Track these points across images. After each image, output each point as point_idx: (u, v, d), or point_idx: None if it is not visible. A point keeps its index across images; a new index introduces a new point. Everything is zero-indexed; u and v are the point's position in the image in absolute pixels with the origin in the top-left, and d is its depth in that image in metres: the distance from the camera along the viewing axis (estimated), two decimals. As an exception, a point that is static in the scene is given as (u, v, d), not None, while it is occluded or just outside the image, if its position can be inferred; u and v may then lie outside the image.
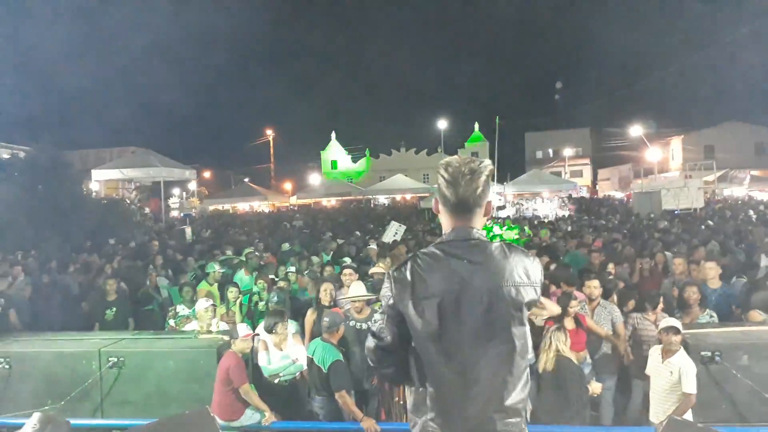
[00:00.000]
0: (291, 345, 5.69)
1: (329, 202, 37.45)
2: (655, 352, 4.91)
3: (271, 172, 55.90)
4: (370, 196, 37.25)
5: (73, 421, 3.27)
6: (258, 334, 5.59)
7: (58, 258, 11.28)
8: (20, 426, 3.03)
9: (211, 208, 33.45)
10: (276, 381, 5.53)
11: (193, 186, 37.62)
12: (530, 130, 60.79)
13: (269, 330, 5.57)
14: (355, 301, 5.87)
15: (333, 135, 61.22)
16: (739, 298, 6.54)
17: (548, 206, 25.49)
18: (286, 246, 12.93)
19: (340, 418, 4.94)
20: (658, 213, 18.86)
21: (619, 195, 40.30)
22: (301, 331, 6.40)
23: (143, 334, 6.16)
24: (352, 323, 5.69)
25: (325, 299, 6.38)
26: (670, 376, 4.64)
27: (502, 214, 22.20)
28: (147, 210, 24.62)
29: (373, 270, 7.62)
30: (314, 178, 47.40)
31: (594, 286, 6.06)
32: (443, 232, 2.22)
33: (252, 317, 7.30)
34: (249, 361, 5.52)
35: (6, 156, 19.68)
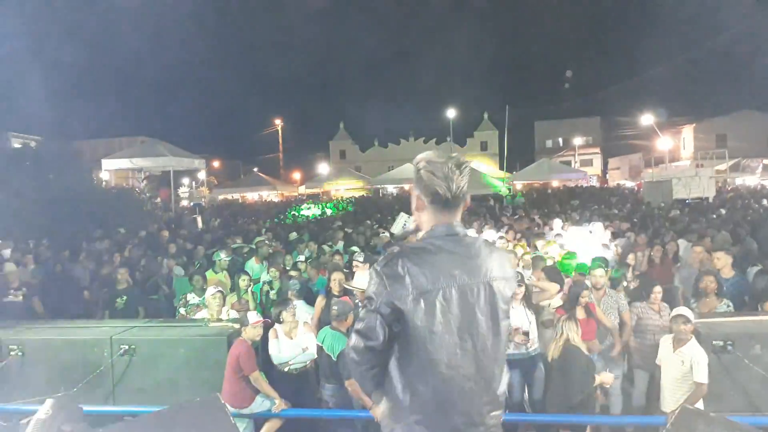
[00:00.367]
0: (302, 333, 5.72)
1: (337, 192, 37.45)
2: (666, 342, 4.88)
3: (280, 162, 55.97)
4: (379, 186, 37.22)
5: (85, 408, 3.30)
6: (269, 320, 5.63)
7: (69, 247, 11.37)
8: (33, 412, 3.06)
9: (221, 197, 33.58)
10: (286, 369, 5.56)
11: (202, 175, 37.76)
12: (540, 119, 60.37)
13: (276, 319, 5.62)
14: (363, 290, 5.88)
15: (341, 125, 61.12)
16: (754, 287, 6.48)
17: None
18: (293, 235, 12.96)
19: (349, 406, 4.95)
20: (669, 202, 18.71)
21: (629, 184, 40.00)
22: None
23: (154, 322, 6.20)
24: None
25: (335, 288, 6.39)
26: (682, 366, 4.61)
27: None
28: (158, 199, 24.75)
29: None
30: (323, 168, 47.39)
31: (599, 275, 6.03)
32: (423, 229, 2.20)
33: (263, 306, 7.34)
34: (259, 348, 5.54)
35: (17, 145, 19.82)
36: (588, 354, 4.92)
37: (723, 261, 6.76)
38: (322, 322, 6.05)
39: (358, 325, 2.08)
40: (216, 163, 52.04)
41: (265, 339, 5.68)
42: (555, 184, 32.95)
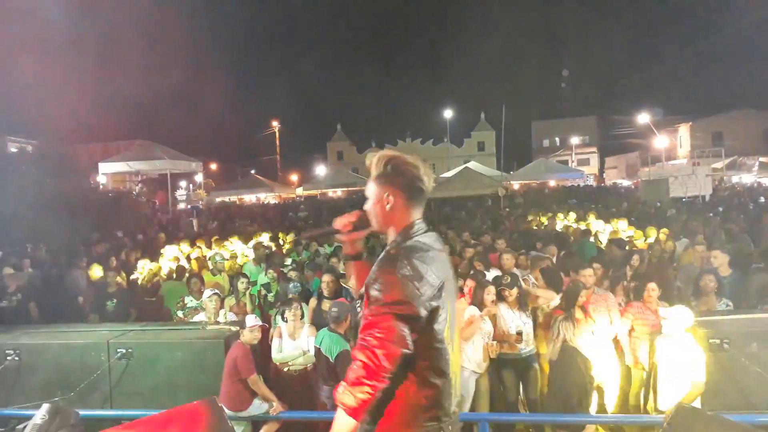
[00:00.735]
0: (304, 336, 5.75)
1: (335, 193, 37.44)
2: (662, 340, 4.88)
3: (277, 164, 55.93)
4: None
5: (82, 412, 3.30)
6: (266, 325, 5.65)
7: (66, 251, 11.35)
8: (30, 417, 3.06)
9: (218, 199, 33.54)
10: (285, 369, 5.60)
11: (199, 178, 37.69)
12: (536, 119, 60.47)
13: (282, 317, 5.71)
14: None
15: (339, 126, 61.13)
16: (751, 286, 6.49)
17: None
18: (291, 236, 12.95)
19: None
20: (665, 201, 18.75)
21: (626, 183, 40.08)
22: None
23: (151, 325, 6.19)
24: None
25: (326, 290, 6.41)
26: (678, 364, 4.61)
27: None
28: (156, 202, 24.73)
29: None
30: (320, 169, 47.36)
31: (588, 274, 6.02)
32: (393, 232, 2.20)
33: (261, 308, 7.33)
34: (257, 351, 5.54)
35: (14, 149, 19.78)
36: (585, 354, 4.93)
37: (720, 260, 6.78)
38: (314, 324, 6.05)
39: (386, 333, 1.93)
40: (213, 166, 51.95)
41: (264, 339, 5.72)
42: (552, 183, 32.97)
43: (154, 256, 10.78)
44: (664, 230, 9.87)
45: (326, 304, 6.01)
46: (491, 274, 6.85)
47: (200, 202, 30.12)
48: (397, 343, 1.94)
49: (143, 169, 22.00)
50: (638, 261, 7.44)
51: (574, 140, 53.04)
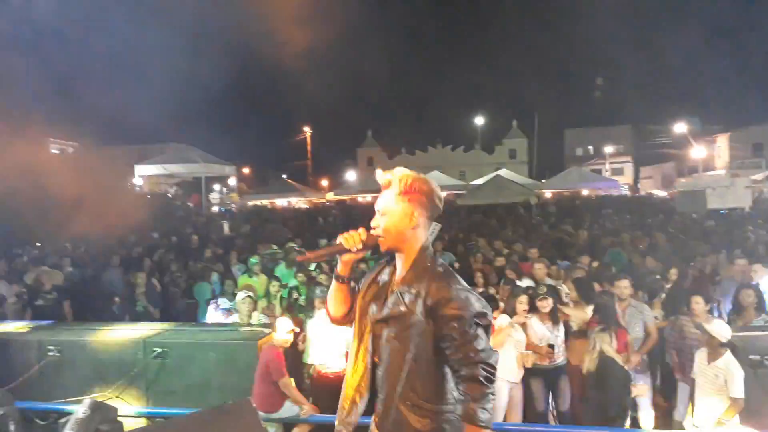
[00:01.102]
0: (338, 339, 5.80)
1: (364, 199, 37.59)
2: (701, 355, 4.78)
3: (308, 169, 56.43)
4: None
5: (120, 409, 3.39)
6: (296, 329, 5.69)
7: (103, 251, 11.65)
8: (70, 412, 3.16)
9: (250, 203, 33.96)
10: (322, 371, 5.71)
11: (233, 182, 38.28)
12: (570, 127, 59.76)
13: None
14: None
15: (369, 133, 61.41)
16: None
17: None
18: (323, 242, 13.05)
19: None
20: (702, 212, 18.29)
21: (661, 194, 39.28)
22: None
23: (186, 325, 6.31)
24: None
25: None
26: (716, 380, 4.51)
27: None
28: (190, 205, 25.18)
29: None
30: (350, 175, 47.61)
31: (624, 286, 5.92)
32: (411, 247, 2.27)
33: (291, 311, 7.41)
34: (288, 354, 5.60)
35: (56, 151, 20.40)
36: (624, 366, 4.85)
37: (761, 273, 6.62)
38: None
39: (482, 344, 2.11)
40: (246, 170, 52.70)
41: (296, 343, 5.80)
42: (585, 192, 32.49)
43: (188, 257, 10.99)
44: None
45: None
46: (523, 284, 6.79)
47: (233, 205, 30.54)
48: (492, 350, 2.14)
49: (178, 171, 22.40)
50: (676, 274, 7.27)
51: (608, 149, 52.23)
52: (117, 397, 5.04)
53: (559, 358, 5.60)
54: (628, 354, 5.34)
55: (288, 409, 5.00)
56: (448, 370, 2.17)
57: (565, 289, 6.53)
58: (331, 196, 40.03)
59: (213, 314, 7.15)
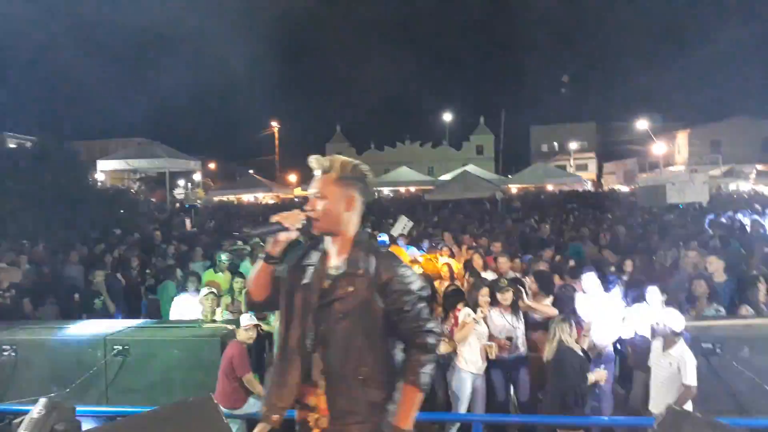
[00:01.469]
0: None
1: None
2: (656, 344, 4.92)
3: (276, 164, 55.92)
4: (375, 189, 37.23)
5: (78, 408, 3.32)
6: (260, 325, 5.65)
7: (63, 248, 11.36)
8: (26, 412, 3.07)
9: (216, 199, 33.51)
10: None
11: (198, 177, 37.67)
12: (536, 124, 60.56)
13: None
14: None
15: (338, 128, 61.17)
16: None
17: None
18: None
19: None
20: (662, 207, 18.80)
21: (624, 189, 40.17)
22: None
23: (148, 323, 6.22)
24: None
25: None
26: (670, 367, 4.66)
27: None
28: (153, 200, 24.71)
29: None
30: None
31: (590, 281, 6.04)
32: (348, 230, 2.38)
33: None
34: (252, 350, 5.56)
35: (13, 145, 19.78)
36: (581, 354, 4.95)
37: (715, 265, 6.81)
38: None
39: (434, 324, 2.31)
40: (212, 165, 51.94)
41: (260, 340, 5.73)
42: (550, 188, 33.01)
43: (150, 254, 10.80)
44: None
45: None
46: (488, 276, 6.88)
47: (198, 201, 30.10)
48: (435, 319, 2.39)
49: (141, 167, 22.01)
50: (631, 266, 7.46)
51: (573, 145, 53.14)
52: (75, 396, 4.93)
53: (519, 349, 5.68)
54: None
55: (252, 405, 4.97)
56: (394, 342, 2.31)
57: (529, 282, 6.63)
58: (299, 191, 39.75)
59: (184, 300, 7.07)
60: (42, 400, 3.23)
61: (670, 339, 4.72)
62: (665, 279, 7.64)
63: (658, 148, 37.25)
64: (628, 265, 7.47)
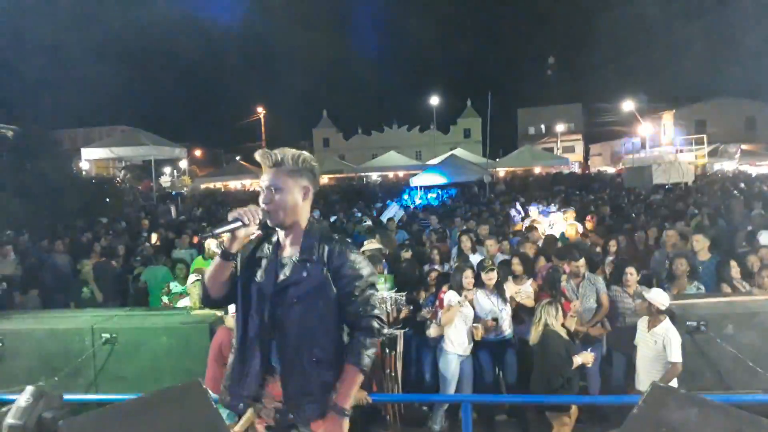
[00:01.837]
0: None
1: (321, 180, 37.35)
2: (642, 323, 4.98)
3: (263, 150, 55.49)
4: (363, 174, 37.18)
5: (66, 396, 3.31)
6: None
7: (48, 237, 11.25)
8: (13, 401, 3.06)
9: (203, 186, 33.32)
10: None
11: (184, 164, 37.42)
12: (523, 106, 60.60)
13: None
14: None
15: (325, 112, 60.83)
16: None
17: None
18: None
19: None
20: (648, 187, 18.96)
21: (610, 170, 40.41)
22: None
23: (136, 310, 6.19)
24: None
25: None
26: (655, 345, 4.72)
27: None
28: (139, 187, 24.51)
29: (365, 247, 7.64)
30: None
31: (581, 264, 6.09)
32: (302, 220, 2.44)
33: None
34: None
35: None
36: (567, 338, 4.99)
37: (701, 244, 6.88)
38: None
39: (379, 311, 2.41)
40: (198, 152, 51.55)
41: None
42: (537, 170, 33.16)
43: (137, 242, 10.73)
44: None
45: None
46: (475, 258, 6.92)
47: (185, 189, 29.90)
48: (379, 305, 2.46)
49: (126, 155, 21.74)
50: (615, 246, 7.53)
51: (560, 128, 53.31)
52: (64, 385, 4.91)
53: (506, 331, 5.72)
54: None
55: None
56: (342, 325, 2.41)
57: (514, 264, 6.66)
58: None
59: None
60: (29, 388, 3.21)
61: (654, 317, 4.78)
62: (647, 258, 7.75)
63: (644, 129, 37.43)
64: (613, 246, 7.53)
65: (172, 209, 17.23)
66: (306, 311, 2.33)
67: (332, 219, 13.32)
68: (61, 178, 16.00)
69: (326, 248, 2.38)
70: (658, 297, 4.75)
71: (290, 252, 2.43)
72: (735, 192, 16.07)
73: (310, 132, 60.99)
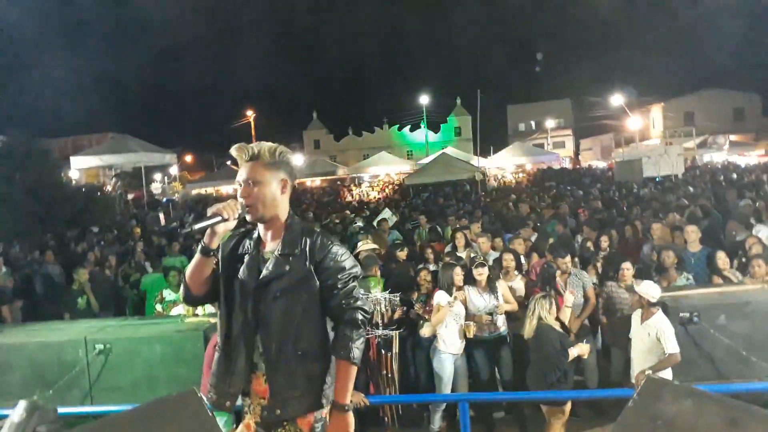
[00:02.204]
0: None
1: (313, 182, 37.30)
2: (636, 316, 5.01)
3: (254, 154, 55.24)
4: (354, 175, 37.16)
5: (61, 409, 3.28)
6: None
7: (39, 248, 11.17)
8: (6, 416, 3.03)
9: (194, 192, 33.17)
10: None
11: (174, 170, 37.22)
12: (512, 103, 60.71)
13: None
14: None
15: (315, 114, 60.73)
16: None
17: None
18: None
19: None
20: (638, 181, 19.03)
21: (601, 164, 40.57)
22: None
23: (129, 320, 6.16)
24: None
25: None
26: (648, 338, 4.74)
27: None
28: (131, 196, 24.37)
29: (360, 247, 7.61)
30: (297, 159, 47.09)
31: (567, 262, 6.11)
32: (281, 214, 2.42)
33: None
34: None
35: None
36: (561, 331, 5.00)
37: (694, 235, 6.92)
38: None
39: (362, 302, 2.39)
40: (188, 158, 51.33)
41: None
42: (528, 167, 33.24)
43: (129, 250, 10.68)
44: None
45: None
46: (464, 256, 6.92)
47: (176, 195, 29.76)
48: (364, 297, 2.48)
49: (116, 162, 21.64)
50: (607, 241, 7.56)
51: (550, 123, 53.44)
52: (59, 397, 4.87)
53: (500, 328, 5.72)
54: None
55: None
56: (326, 318, 2.40)
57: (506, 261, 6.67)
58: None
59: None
60: (22, 403, 3.19)
61: (647, 310, 4.80)
62: (638, 251, 7.79)
63: (633, 122, 37.58)
64: (605, 241, 7.56)
65: (161, 216, 17.15)
66: (289, 305, 2.32)
67: (325, 221, 13.31)
68: (50, 188, 15.87)
69: (308, 241, 2.38)
70: (648, 289, 4.78)
71: (272, 247, 2.42)
72: (724, 183, 16.18)
73: (300, 134, 60.89)
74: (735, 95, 43.27)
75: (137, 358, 5.17)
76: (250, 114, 54.74)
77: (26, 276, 9.26)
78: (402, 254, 7.21)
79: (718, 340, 4.84)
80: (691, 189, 15.61)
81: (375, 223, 11.40)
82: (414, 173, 26.79)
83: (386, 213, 13.43)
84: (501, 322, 5.71)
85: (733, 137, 33.47)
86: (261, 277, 2.36)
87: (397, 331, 5.55)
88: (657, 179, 19.44)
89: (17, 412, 3.13)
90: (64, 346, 5.25)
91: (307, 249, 2.36)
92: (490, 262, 6.41)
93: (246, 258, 2.44)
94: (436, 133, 56.01)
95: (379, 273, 6.28)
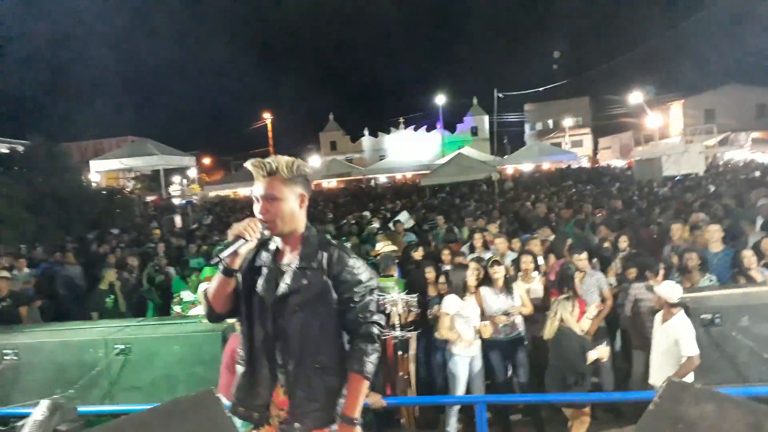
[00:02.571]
0: None
1: (329, 184, 37.42)
2: (657, 317, 4.92)
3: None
4: (371, 176, 37.22)
5: (81, 408, 3.32)
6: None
7: (60, 249, 11.35)
8: (29, 415, 3.07)
9: (212, 194, 33.46)
10: None
11: (193, 173, 37.61)
12: (529, 102, 60.28)
13: None
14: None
15: (331, 116, 60.90)
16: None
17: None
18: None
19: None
20: (658, 179, 18.77)
21: (620, 163, 40.12)
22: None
23: (148, 320, 6.22)
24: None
25: None
26: (666, 339, 4.65)
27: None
28: (149, 198, 24.66)
29: (378, 248, 7.60)
30: (314, 160, 47.26)
31: (582, 258, 6.03)
32: (299, 227, 2.41)
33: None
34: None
35: (5, 150, 19.68)
36: (581, 334, 4.95)
37: (716, 235, 6.79)
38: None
39: (378, 316, 2.39)
40: (206, 160, 51.83)
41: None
42: (546, 166, 32.99)
43: (149, 252, 10.79)
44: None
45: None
46: (485, 257, 6.87)
47: (194, 197, 30.05)
48: (380, 312, 2.45)
49: (136, 165, 21.97)
50: (626, 242, 7.44)
51: (567, 122, 52.99)
52: (79, 396, 4.94)
53: (518, 328, 5.67)
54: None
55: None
56: (343, 331, 2.40)
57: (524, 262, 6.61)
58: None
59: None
60: (44, 402, 3.23)
61: (667, 311, 4.72)
62: (658, 252, 7.67)
63: (652, 120, 37.11)
64: (623, 241, 7.42)
65: (176, 219, 17.34)
66: (307, 318, 2.32)
67: (341, 222, 13.33)
68: (71, 191, 16.13)
69: (325, 255, 2.37)
70: (668, 290, 4.69)
71: (289, 259, 2.42)
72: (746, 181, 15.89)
73: (317, 136, 61.08)
74: (757, 91, 42.39)
75: (156, 358, 5.22)
76: (267, 116, 55.15)
77: (48, 276, 9.40)
78: (417, 254, 7.18)
79: (740, 342, 4.76)
80: (712, 188, 15.35)
81: (391, 225, 11.41)
82: (430, 173, 26.70)
83: (404, 216, 13.43)
84: (519, 320, 5.65)
85: (755, 134, 32.90)
86: (279, 291, 2.36)
87: (415, 333, 5.53)
88: (677, 178, 19.16)
89: (39, 411, 3.18)
90: (85, 346, 5.32)
91: (325, 262, 2.36)
92: (508, 263, 6.36)
93: (264, 270, 2.43)
94: (452, 133, 55.79)
95: (397, 275, 6.26)
